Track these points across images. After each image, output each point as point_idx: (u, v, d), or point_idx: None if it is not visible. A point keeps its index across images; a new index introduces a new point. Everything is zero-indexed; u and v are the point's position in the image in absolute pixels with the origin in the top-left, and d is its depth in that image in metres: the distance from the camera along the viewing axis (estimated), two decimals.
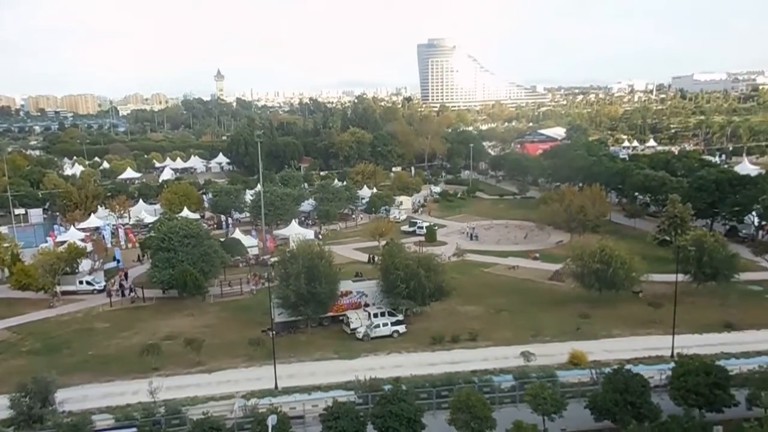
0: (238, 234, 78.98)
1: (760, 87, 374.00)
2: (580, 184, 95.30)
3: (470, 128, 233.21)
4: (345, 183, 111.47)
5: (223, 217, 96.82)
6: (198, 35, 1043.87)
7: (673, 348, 42.81)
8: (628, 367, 36.53)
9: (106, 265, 74.39)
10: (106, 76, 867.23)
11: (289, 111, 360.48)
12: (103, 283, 66.30)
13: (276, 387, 40.78)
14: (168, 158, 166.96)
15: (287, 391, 40.23)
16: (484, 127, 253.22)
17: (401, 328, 50.80)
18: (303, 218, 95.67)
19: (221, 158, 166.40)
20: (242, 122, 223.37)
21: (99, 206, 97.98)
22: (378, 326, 50.42)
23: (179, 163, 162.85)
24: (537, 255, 73.00)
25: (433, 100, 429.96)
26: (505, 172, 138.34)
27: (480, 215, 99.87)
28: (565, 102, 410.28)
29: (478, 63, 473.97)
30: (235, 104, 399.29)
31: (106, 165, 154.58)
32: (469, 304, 57.26)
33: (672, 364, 36.83)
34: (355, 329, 50.73)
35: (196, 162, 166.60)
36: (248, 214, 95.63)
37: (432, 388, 37.91)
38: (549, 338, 48.30)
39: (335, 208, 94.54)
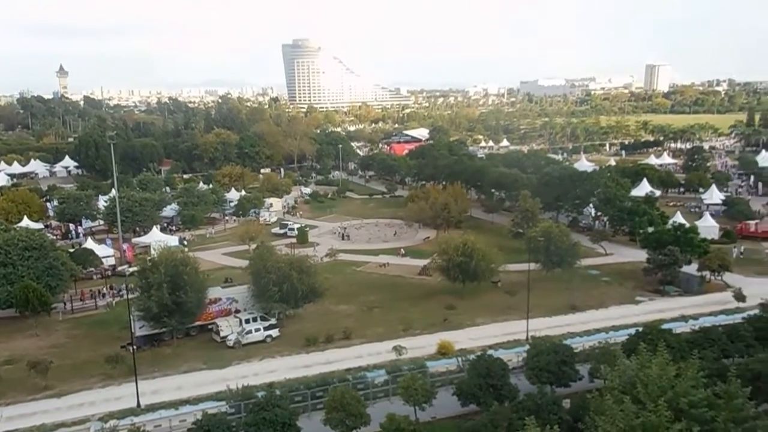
0: (90, 244, 72.53)
1: (592, 92, 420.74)
2: (444, 183, 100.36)
3: (338, 129, 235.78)
4: (211, 186, 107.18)
5: (72, 226, 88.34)
6: (30, 21, 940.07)
7: (527, 331, 46.61)
8: (489, 352, 39.25)
9: None
10: None
11: (146, 111, 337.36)
12: None
13: (138, 405, 38.13)
14: (2, 162, 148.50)
15: (151, 408, 37.81)
16: (351, 128, 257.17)
17: (274, 333, 49.91)
18: (166, 224, 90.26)
19: (68, 161, 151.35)
20: (92, 122, 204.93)
21: None
22: (250, 332, 49.10)
23: (16, 168, 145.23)
24: (402, 251, 75.60)
25: (300, 100, 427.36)
26: (374, 171, 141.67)
27: (351, 215, 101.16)
28: (427, 104, 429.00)
29: (344, 65, 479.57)
30: (82, 103, 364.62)
31: None
32: (342, 303, 57.77)
33: (527, 346, 40.22)
34: (225, 337, 48.95)
35: (37, 166, 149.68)
36: (102, 222, 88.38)
37: (307, 390, 37.82)
38: (419, 331, 50.24)
39: (201, 213, 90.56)
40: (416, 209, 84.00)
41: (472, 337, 48.00)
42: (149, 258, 53.34)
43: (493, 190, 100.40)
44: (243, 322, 50.00)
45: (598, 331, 47.63)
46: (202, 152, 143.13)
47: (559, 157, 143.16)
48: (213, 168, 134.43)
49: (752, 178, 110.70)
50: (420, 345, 46.47)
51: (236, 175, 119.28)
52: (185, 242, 79.75)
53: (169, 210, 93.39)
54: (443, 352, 44.65)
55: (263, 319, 50.67)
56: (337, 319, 53.63)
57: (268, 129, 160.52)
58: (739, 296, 52.42)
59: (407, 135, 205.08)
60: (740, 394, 23.28)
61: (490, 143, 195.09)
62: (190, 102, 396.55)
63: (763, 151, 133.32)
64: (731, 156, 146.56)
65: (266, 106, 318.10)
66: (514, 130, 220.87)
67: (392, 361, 43.24)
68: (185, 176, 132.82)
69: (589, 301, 55.72)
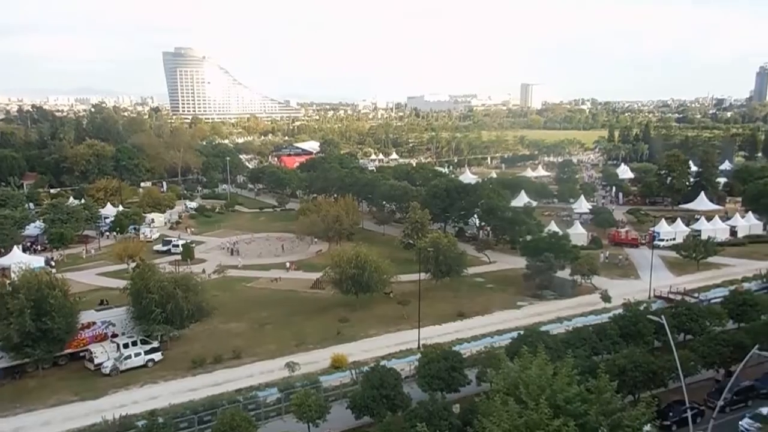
0: None
1: (474, 108, 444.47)
2: (335, 195, 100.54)
3: (226, 141, 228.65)
4: (83, 201, 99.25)
5: None
6: None
7: (419, 340, 47.72)
8: (383, 363, 39.62)
9: None
10: None
11: (5, 119, 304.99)
12: None
13: None
14: None
15: None
16: (240, 140, 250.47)
17: (157, 356, 47.17)
18: (29, 244, 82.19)
19: None
20: None
21: None
22: (129, 357, 46.02)
23: None
24: (288, 265, 74.53)
25: (184, 111, 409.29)
26: (264, 185, 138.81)
27: (240, 229, 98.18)
28: (317, 117, 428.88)
29: (231, 75, 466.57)
30: None
31: None
32: (232, 321, 55.74)
33: (419, 355, 41.04)
34: (100, 364, 45.35)
35: None
36: None
37: (193, 415, 35.92)
38: (312, 346, 49.61)
39: (71, 230, 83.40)
40: (308, 222, 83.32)
41: (366, 349, 48.23)
42: (9, 282, 48.01)
43: (384, 202, 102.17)
44: (121, 346, 46.69)
45: (484, 336, 49.75)
46: (72, 165, 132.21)
47: (445, 170, 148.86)
48: (85, 182, 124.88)
49: (614, 189, 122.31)
50: (313, 360, 45.95)
51: (112, 189, 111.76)
52: (53, 263, 73.08)
53: (34, 228, 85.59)
54: (337, 365, 44.45)
55: (144, 342, 47.68)
56: (227, 338, 51.65)
57: (148, 140, 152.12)
58: (606, 297, 57.32)
59: (298, 148, 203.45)
60: (608, 388, 25.26)
61: (380, 156, 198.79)
62: (58, 111, 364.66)
63: (622, 164, 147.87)
64: (596, 169, 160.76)
65: (146, 117, 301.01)
66: (403, 144, 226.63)
67: (285, 378, 42.36)
68: (52, 191, 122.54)
69: (476, 308, 58.18)
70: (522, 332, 41.83)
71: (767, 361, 39.43)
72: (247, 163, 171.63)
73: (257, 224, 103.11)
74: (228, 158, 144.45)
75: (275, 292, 65.59)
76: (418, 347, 46.31)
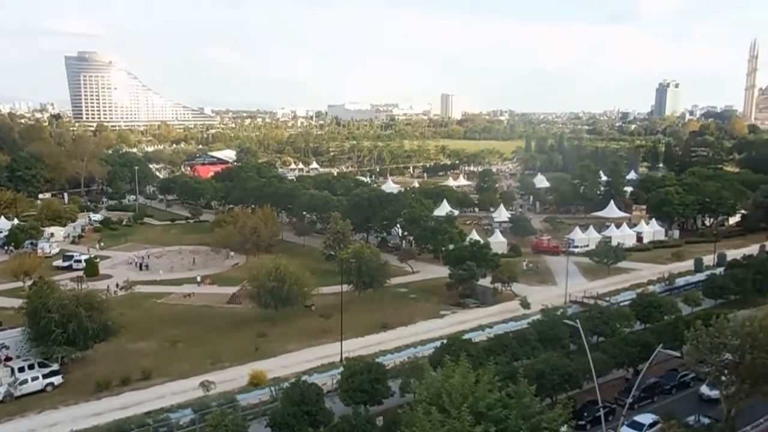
0: None
1: (396, 117, 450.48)
2: (253, 206, 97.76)
3: (134, 150, 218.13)
4: None
5: None
6: None
7: (341, 353, 46.78)
8: (304, 378, 38.32)
9: None
10: None
11: None
12: None
13: None
14: None
15: None
16: (150, 149, 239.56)
17: (57, 380, 44.04)
18: None
19: None
20: None
21: None
22: (25, 382, 42.69)
23: None
24: (199, 278, 71.49)
25: (88, 118, 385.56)
26: (176, 195, 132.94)
27: (150, 243, 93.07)
28: (234, 125, 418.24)
29: (140, 81, 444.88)
30: None
31: None
32: (140, 340, 52.59)
33: (341, 368, 40.10)
34: None
35: None
36: None
37: None
38: (229, 363, 47.46)
39: None
40: (224, 234, 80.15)
41: (286, 365, 46.68)
42: None
43: (304, 213, 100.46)
44: (16, 370, 43.38)
45: (407, 346, 49.31)
46: None
47: (367, 179, 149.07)
48: None
49: (531, 197, 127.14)
50: (230, 378, 44.00)
51: (7, 201, 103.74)
52: None
53: None
54: (255, 382, 42.70)
55: (42, 365, 44.46)
56: (135, 358, 48.61)
57: (47, 149, 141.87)
58: (525, 304, 58.88)
59: (213, 157, 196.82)
60: (527, 393, 25.71)
61: (300, 165, 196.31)
62: None
63: (539, 174, 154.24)
64: (514, 178, 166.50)
65: (46, 124, 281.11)
66: (324, 153, 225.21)
67: (199, 398, 40.13)
68: None
69: (399, 318, 57.89)
70: (445, 341, 41.94)
71: (671, 359, 41.81)
72: (157, 173, 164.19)
73: (169, 237, 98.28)
74: (136, 168, 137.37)
75: (188, 308, 62.45)
76: (341, 360, 45.32)
